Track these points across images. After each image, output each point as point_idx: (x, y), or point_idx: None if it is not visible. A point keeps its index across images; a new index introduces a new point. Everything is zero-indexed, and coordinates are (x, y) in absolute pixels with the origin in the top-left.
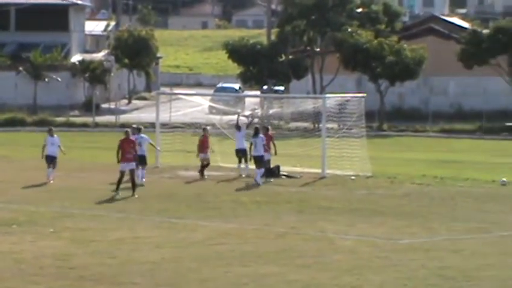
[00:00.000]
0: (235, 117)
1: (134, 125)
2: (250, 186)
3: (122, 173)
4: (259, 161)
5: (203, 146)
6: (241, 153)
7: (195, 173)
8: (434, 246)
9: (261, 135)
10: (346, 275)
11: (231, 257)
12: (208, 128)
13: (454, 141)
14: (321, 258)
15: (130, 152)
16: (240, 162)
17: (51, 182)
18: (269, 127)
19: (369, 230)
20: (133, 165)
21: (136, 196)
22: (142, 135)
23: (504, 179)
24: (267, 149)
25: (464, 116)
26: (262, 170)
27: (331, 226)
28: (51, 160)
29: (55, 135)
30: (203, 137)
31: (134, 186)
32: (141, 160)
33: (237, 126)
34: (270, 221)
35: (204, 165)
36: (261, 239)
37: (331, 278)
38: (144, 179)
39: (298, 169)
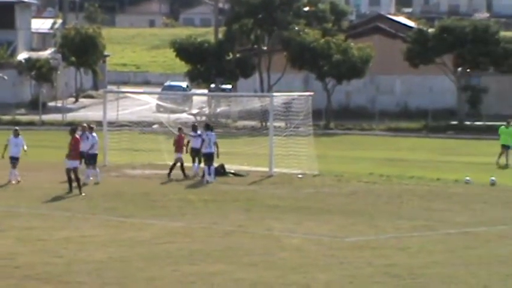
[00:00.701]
0: (183, 115)
1: (85, 124)
2: (198, 184)
3: (68, 171)
4: (210, 158)
5: (178, 146)
6: (195, 153)
7: (142, 172)
8: (380, 244)
9: (213, 132)
10: (293, 273)
11: (179, 256)
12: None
13: (400, 140)
14: (268, 257)
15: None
16: (194, 162)
17: (13, 182)
18: (180, 127)
19: (316, 228)
20: (76, 163)
21: (83, 194)
22: (94, 134)
23: (468, 178)
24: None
25: (410, 115)
26: (213, 167)
27: (278, 224)
28: (15, 161)
29: (20, 136)
30: (178, 136)
31: (79, 184)
32: (92, 159)
33: (193, 126)
34: (218, 219)
35: (175, 165)
36: (208, 237)
37: (277, 277)
38: (91, 178)
39: (245, 167)
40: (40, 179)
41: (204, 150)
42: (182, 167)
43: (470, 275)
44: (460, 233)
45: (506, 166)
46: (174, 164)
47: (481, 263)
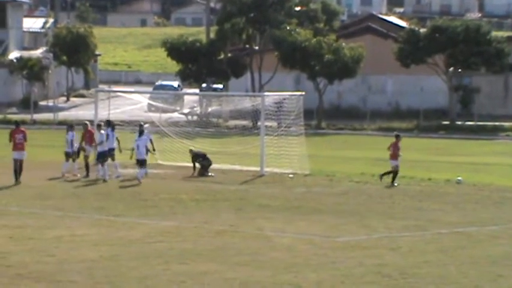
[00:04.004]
0: (174, 114)
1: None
2: (190, 184)
3: (15, 161)
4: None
5: (86, 139)
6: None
7: (134, 171)
8: (372, 244)
9: (145, 136)
10: (284, 272)
11: (170, 255)
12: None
13: (392, 140)
14: (259, 256)
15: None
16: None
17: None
18: (87, 122)
19: (307, 227)
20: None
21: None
22: (102, 131)
23: (459, 178)
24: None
25: (402, 115)
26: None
27: (269, 224)
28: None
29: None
30: (88, 131)
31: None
32: (106, 155)
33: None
34: (209, 218)
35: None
36: (199, 236)
37: (268, 276)
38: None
39: (237, 167)
40: (31, 177)
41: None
42: (85, 163)
43: (462, 275)
44: (451, 233)
45: None
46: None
47: (473, 263)
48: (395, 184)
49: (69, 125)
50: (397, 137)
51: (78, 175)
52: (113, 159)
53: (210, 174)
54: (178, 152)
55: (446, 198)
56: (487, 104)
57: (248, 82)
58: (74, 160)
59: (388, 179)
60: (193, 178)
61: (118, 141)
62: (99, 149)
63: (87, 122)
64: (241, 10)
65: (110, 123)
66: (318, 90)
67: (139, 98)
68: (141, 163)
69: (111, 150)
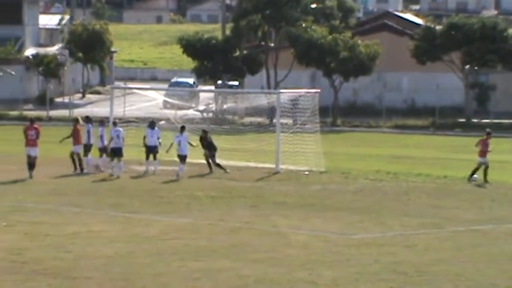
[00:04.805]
0: (189, 111)
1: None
2: (205, 181)
3: (28, 157)
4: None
5: (75, 138)
6: (149, 149)
7: (149, 168)
8: (387, 241)
9: (186, 132)
10: (299, 270)
11: (185, 252)
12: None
13: (407, 137)
14: (274, 253)
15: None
16: (147, 158)
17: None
18: (78, 118)
19: (322, 225)
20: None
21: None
22: (119, 128)
23: (475, 176)
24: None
25: (418, 112)
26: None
27: (284, 221)
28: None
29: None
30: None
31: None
32: (117, 152)
33: (151, 123)
34: (224, 215)
35: (72, 158)
36: (215, 233)
37: (284, 273)
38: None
39: (252, 164)
40: (47, 174)
41: (112, 145)
42: (80, 160)
43: (478, 273)
44: (467, 231)
45: None
46: (71, 157)
47: (489, 261)
48: (488, 181)
49: (100, 120)
50: (488, 134)
51: (103, 170)
52: (86, 155)
53: (217, 163)
54: (194, 149)
55: (463, 196)
56: (504, 102)
57: (264, 79)
58: (154, 157)
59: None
60: (210, 176)
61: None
62: (112, 145)
63: (79, 118)
64: (257, 7)
65: (90, 120)
66: (334, 88)
67: (154, 95)
68: (182, 159)
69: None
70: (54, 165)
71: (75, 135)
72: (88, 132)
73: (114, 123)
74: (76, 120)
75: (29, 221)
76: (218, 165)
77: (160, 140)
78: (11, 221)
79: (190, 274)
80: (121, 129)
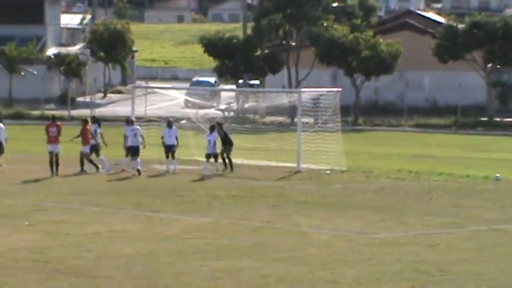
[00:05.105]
0: (211, 111)
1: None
2: (227, 180)
3: (50, 155)
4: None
5: (84, 138)
6: (168, 149)
7: (170, 167)
8: (409, 240)
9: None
10: (321, 269)
11: (207, 251)
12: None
13: (429, 136)
14: (296, 253)
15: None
16: (167, 157)
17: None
18: (87, 118)
19: (344, 224)
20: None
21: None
22: (136, 126)
23: (498, 175)
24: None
25: (439, 111)
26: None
27: (306, 220)
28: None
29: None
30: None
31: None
32: (134, 150)
33: (168, 122)
34: (246, 215)
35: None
36: (236, 233)
37: (305, 273)
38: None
39: (273, 163)
40: (68, 173)
41: (129, 144)
42: (87, 159)
43: (500, 272)
44: (489, 230)
45: None
46: (81, 158)
47: (511, 260)
48: None
49: (129, 121)
50: None
51: (176, 171)
52: (98, 155)
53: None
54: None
55: (485, 195)
56: None
57: (285, 78)
58: (173, 157)
59: None
60: (230, 175)
61: (102, 136)
62: (129, 143)
63: (87, 119)
64: (278, 6)
65: (96, 120)
66: (355, 87)
67: (176, 94)
68: (214, 157)
69: (95, 146)
70: (75, 164)
71: (84, 135)
72: (95, 132)
73: (131, 122)
74: (85, 121)
75: (50, 220)
76: (229, 160)
77: (177, 139)
78: (33, 220)
79: (211, 273)
80: (138, 127)
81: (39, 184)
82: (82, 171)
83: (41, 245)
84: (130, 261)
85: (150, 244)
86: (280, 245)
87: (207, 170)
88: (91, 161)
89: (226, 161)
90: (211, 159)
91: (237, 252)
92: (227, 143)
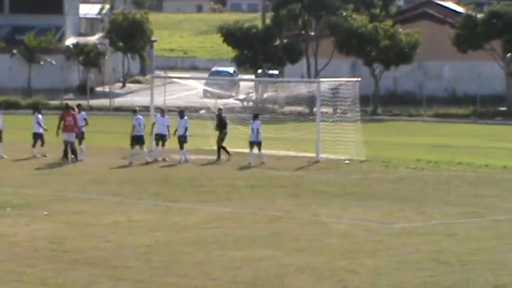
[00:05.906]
0: (230, 100)
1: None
2: (245, 170)
3: (65, 143)
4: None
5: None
6: (160, 138)
7: (189, 157)
8: (428, 230)
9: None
10: (340, 259)
11: (226, 241)
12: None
13: (448, 126)
14: (315, 242)
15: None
16: (157, 145)
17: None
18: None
19: (363, 214)
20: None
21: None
22: (139, 116)
23: None
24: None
25: (459, 101)
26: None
27: (325, 210)
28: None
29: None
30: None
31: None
32: (139, 140)
33: (180, 112)
34: (265, 205)
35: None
36: (255, 222)
37: (325, 262)
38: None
39: (292, 153)
40: (87, 163)
41: (134, 133)
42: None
43: None
44: (508, 220)
45: None
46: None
47: None
48: None
49: (133, 110)
50: None
51: (167, 159)
52: (80, 143)
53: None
54: (234, 138)
55: (503, 185)
56: None
57: (304, 68)
58: (163, 145)
59: None
60: (250, 165)
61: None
62: (135, 133)
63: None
64: None
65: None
66: (374, 76)
67: (195, 84)
68: (258, 144)
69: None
70: (96, 155)
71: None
72: (84, 120)
73: (135, 111)
74: (70, 108)
75: (69, 210)
76: (224, 148)
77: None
78: (52, 211)
79: (231, 263)
80: (141, 117)
81: (58, 174)
82: (73, 159)
83: (60, 235)
84: (149, 251)
85: (169, 234)
86: (299, 235)
87: (251, 158)
88: (73, 150)
89: (228, 149)
90: (255, 149)
91: (255, 242)
92: (221, 131)
